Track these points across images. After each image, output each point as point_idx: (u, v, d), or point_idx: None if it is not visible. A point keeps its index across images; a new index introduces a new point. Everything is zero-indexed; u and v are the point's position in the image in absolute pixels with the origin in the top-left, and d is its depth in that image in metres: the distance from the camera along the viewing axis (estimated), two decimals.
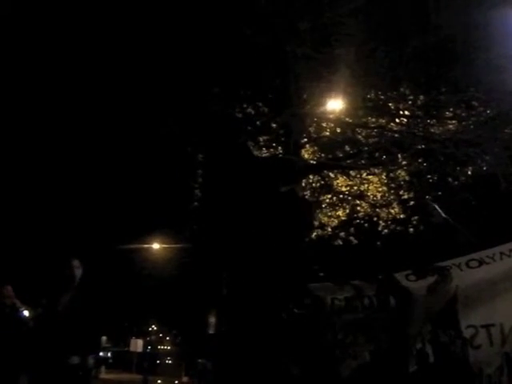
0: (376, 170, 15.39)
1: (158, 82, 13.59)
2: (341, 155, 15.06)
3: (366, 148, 14.60)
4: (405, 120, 14.24)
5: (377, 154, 14.80)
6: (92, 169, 15.19)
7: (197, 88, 13.77)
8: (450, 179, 15.00)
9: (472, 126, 13.40)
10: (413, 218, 14.85)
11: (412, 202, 15.43)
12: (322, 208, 16.10)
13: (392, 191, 15.51)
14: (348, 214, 15.94)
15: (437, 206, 5.48)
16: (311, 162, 15.14)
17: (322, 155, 15.09)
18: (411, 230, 15.47)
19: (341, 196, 15.96)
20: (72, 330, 6.49)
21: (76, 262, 6.94)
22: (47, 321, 6.67)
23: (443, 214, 5.51)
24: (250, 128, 15.38)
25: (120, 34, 13.01)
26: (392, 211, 15.54)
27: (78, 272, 6.89)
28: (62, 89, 13.71)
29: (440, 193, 15.33)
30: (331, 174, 15.71)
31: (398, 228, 15.30)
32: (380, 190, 15.59)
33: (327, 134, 14.78)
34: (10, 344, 7.53)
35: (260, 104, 14.83)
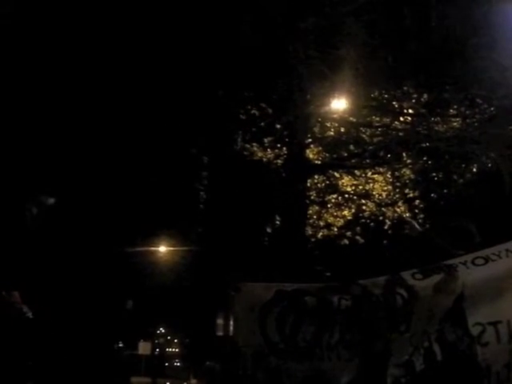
0: (381, 169, 15.41)
1: (162, 85, 13.63)
2: (345, 155, 15.09)
3: (371, 147, 14.62)
4: (409, 118, 14.24)
5: (381, 153, 14.82)
6: (98, 170, 15.22)
7: (201, 90, 13.81)
8: (455, 177, 15.00)
9: (476, 124, 13.40)
10: (418, 217, 14.83)
11: (417, 201, 15.43)
12: (328, 208, 16.11)
13: (397, 190, 15.52)
14: (354, 214, 15.94)
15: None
16: (316, 162, 15.17)
17: (327, 155, 15.12)
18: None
19: (346, 196, 15.97)
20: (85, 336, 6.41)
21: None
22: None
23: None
24: (254, 129, 15.42)
25: (122, 34, 13.05)
26: (398, 210, 15.53)
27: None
28: (61, 89, 13.75)
29: (445, 190, 15.33)
30: (336, 174, 15.73)
31: (404, 226, 15.25)
32: (385, 188, 15.59)
33: (331, 133, 14.80)
34: (16, 349, 7.53)
35: (264, 105, 14.86)
